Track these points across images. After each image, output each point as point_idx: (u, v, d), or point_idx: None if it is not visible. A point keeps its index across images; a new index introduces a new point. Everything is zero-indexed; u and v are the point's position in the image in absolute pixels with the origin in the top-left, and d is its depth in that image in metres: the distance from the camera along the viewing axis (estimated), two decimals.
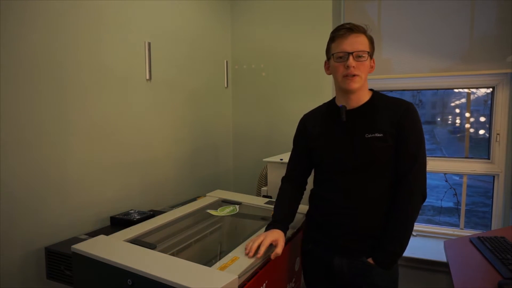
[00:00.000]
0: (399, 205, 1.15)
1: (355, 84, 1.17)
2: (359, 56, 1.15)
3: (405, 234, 1.14)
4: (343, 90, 1.22)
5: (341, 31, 1.17)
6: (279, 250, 1.16)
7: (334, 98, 1.31)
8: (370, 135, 1.16)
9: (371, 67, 1.22)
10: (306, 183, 1.40)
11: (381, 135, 1.15)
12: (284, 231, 1.25)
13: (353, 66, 1.14)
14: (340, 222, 1.20)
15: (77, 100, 1.47)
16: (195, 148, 2.24)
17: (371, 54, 1.20)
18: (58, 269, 1.29)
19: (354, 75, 1.16)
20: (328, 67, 1.27)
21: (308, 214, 1.35)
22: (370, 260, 1.16)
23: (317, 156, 1.28)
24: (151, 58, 1.84)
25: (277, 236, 1.19)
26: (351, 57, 1.14)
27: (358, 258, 1.18)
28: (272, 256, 1.16)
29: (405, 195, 1.14)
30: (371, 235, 1.17)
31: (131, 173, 1.75)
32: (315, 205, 1.31)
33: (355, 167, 1.18)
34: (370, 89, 1.27)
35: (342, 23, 2.42)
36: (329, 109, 1.31)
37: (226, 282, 0.90)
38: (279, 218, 1.28)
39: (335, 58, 1.18)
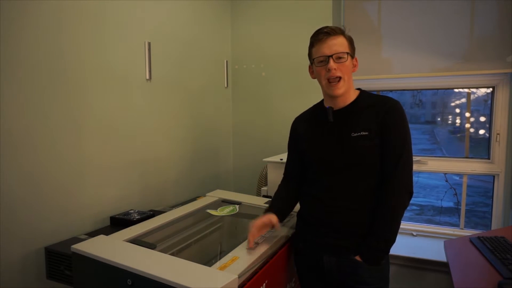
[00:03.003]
0: (384, 202, 1.16)
1: (339, 90, 1.19)
2: (339, 58, 1.17)
3: (391, 231, 1.15)
4: (329, 95, 1.24)
5: (319, 36, 1.20)
6: (277, 226, 1.26)
7: (322, 100, 1.34)
8: (356, 134, 1.18)
9: (354, 66, 1.24)
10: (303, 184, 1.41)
11: (366, 133, 1.17)
12: (276, 214, 1.29)
13: (334, 68, 1.17)
14: (328, 221, 1.21)
15: (77, 100, 1.47)
16: (195, 147, 2.24)
17: (351, 54, 1.22)
18: (58, 269, 1.29)
19: (337, 78, 1.18)
20: (312, 72, 1.29)
21: (299, 213, 1.36)
22: (357, 257, 1.17)
23: (307, 156, 1.31)
24: (151, 58, 1.84)
25: (266, 217, 1.25)
26: (331, 60, 1.16)
27: (347, 256, 1.19)
28: (276, 227, 1.26)
29: (390, 192, 1.16)
30: (359, 233, 1.18)
31: (131, 173, 1.75)
32: (305, 204, 1.33)
33: (343, 166, 1.20)
34: (358, 88, 1.28)
35: (342, 23, 2.43)
36: (317, 111, 1.34)
37: (226, 282, 0.90)
38: (271, 206, 1.35)
39: (316, 63, 1.21)
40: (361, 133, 1.17)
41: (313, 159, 1.28)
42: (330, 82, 1.19)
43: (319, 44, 1.19)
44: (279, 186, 1.44)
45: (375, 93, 2.38)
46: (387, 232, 1.15)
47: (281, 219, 1.32)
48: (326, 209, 1.22)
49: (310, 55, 1.26)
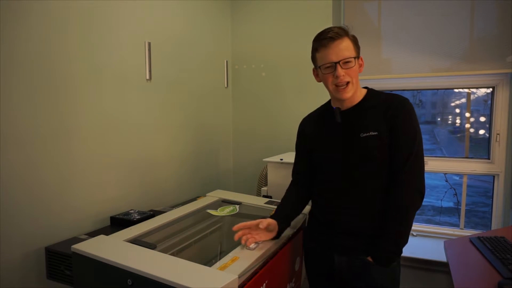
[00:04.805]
0: (395, 202, 1.14)
1: (348, 94, 1.17)
2: (347, 63, 1.15)
3: (402, 232, 1.13)
4: (337, 98, 1.22)
5: (323, 41, 1.15)
6: (264, 222, 1.21)
7: (329, 101, 1.33)
8: (365, 134, 1.16)
9: (360, 65, 1.21)
10: (312, 185, 1.40)
11: (375, 133, 1.15)
12: (278, 221, 1.27)
13: (343, 75, 1.14)
14: (339, 221, 1.21)
15: (77, 100, 1.47)
16: (195, 148, 2.24)
17: (357, 56, 1.19)
18: (58, 269, 1.29)
19: (345, 83, 1.15)
20: (317, 75, 1.25)
21: (310, 212, 1.36)
22: (369, 258, 1.16)
23: (316, 157, 1.30)
24: (151, 58, 1.84)
25: (266, 220, 1.22)
26: (338, 67, 1.13)
27: (357, 256, 1.18)
28: (261, 225, 1.20)
29: (400, 193, 1.13)
30: (369, 234, 1.17)
31: (131, 173, 1.75)
32: (315, 204, 1.32)
33: (352, 166, 1.18)
34: (365, 87, 1.26)
35: (342, 23, 2.43)
36: (325, 111, 1.32)
37: (226, 282, 0.90)
38: (277, 213, 1.32)
39: (323, 69, 1.18)
40: (370, 133, 1.15)
41: (322, 159, 1.27)
42: (338, 87, 1.16)
43: (324, 50, 1.15)
44: (287, 190, 1.40)
45: None
46: (398, 234, 1.13)
47: (285, 227, 1.30)
48: (336, 210, 1.21)
49: (314, 59, 1.22)
